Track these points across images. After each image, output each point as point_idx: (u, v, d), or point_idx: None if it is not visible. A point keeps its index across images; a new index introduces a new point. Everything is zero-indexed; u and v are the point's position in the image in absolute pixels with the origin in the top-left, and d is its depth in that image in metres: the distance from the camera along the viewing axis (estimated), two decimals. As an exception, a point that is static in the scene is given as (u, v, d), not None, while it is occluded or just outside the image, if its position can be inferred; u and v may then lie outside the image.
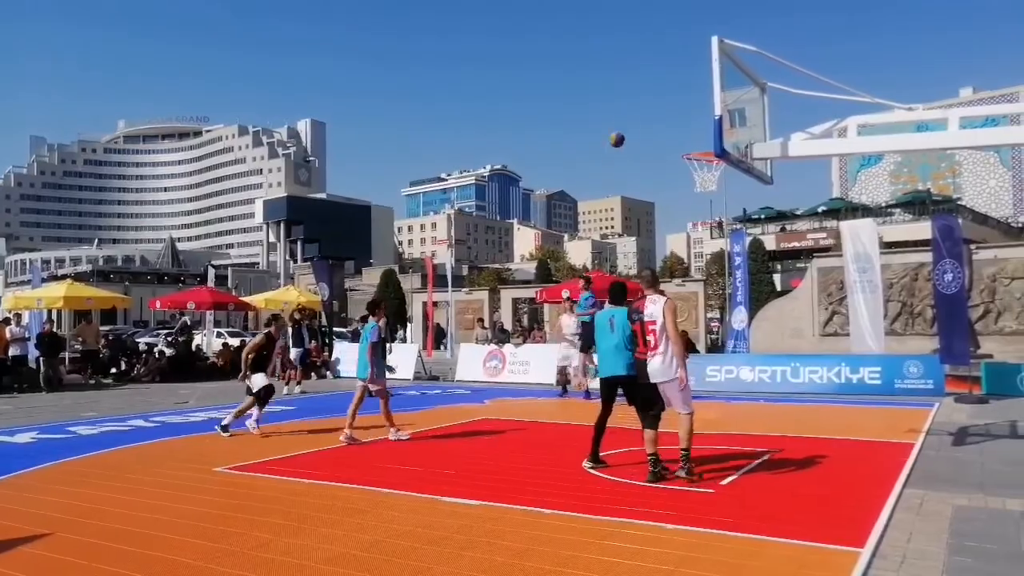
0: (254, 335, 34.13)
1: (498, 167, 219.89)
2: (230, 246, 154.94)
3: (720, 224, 51.39)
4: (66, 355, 19.77)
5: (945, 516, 5.38)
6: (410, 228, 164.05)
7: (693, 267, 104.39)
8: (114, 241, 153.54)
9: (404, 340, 32.29)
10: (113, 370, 20.65)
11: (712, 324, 32.96)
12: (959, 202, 53.60)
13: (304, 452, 8.49)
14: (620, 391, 7.12)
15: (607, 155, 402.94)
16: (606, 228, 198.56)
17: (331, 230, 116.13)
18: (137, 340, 29.36)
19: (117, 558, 4.63)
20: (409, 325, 31.14)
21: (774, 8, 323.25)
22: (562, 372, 15.05)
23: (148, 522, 5.44)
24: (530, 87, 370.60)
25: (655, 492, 6.27)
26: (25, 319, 21.55)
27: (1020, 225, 54.35)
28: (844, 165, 68.63)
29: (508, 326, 26.28)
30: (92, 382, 18.86)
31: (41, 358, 17.83)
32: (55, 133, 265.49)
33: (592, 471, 7.06)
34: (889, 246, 26.80)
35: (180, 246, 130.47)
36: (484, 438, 9.75)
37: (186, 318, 24.61)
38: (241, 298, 31.04)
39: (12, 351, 17.58)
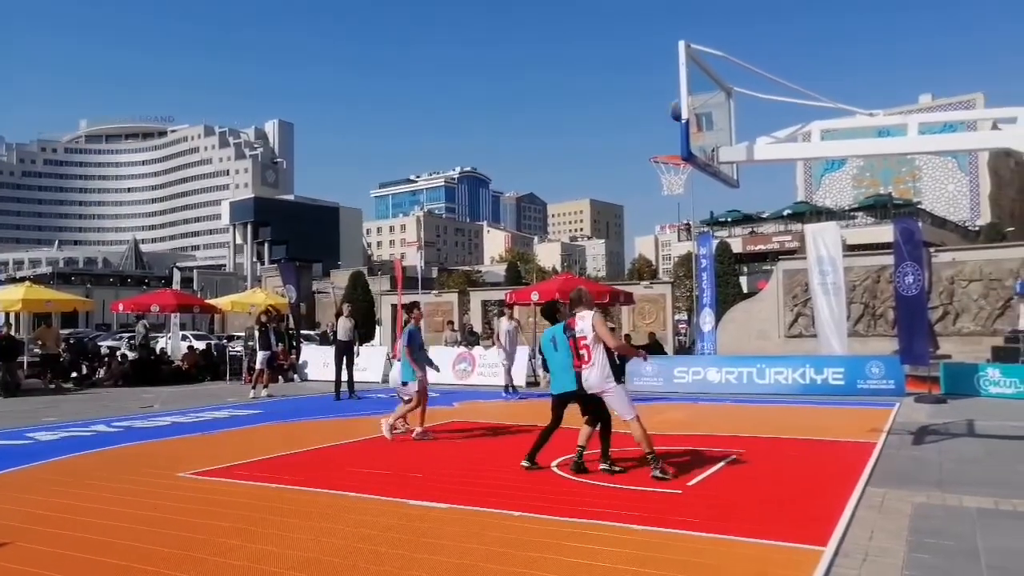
0: (221, 339, 33.59)
1: (468, 169, 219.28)
2: (196, 248, 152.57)
3: (688, 227, 51.94)
4: (24, 359, 19.31)
5: (905, 514, 5.50)
6: (379, 230, 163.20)
7: (661, 269, 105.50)
8: (75, 243, 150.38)
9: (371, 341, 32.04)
10: (74, 374, 20.18)
11: (680, 326, 33.21)
12: (919, 206, 54.81)
13: (271, 456, 8.39)
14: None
15: (576, 158, 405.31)
16: (575, 230, 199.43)
17: (299, 232, 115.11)
18: (99, 344, 28.82)
19: (78, 567, 4.53)
20: (378, 328, 30.95)
21: (739, 18, 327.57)
22: (508, 373, 16.18)
23: (111, 530, 5.33)
24: (500, 90, 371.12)
25: (623, 493, 6.32)
26: (-19, 322, 21.05)
27: (977, 228, 55.71)
28: (808, 169, 69.85)
29: (478, 328, 26.29)
30: (52, 387, 18.44)
31: (-3, 363, 17.37)
32: (13, 133, 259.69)
33: (529, 470, 7.18)
34: (852, 249, 27.32)
35: (144, 248, 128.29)
36: (453, 441, 9.74)
37: (144, 321, 23.96)
38: (207, 300, 30.64)
39: (-33, 356, 17.10)
